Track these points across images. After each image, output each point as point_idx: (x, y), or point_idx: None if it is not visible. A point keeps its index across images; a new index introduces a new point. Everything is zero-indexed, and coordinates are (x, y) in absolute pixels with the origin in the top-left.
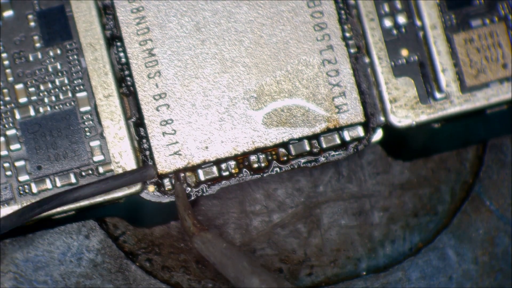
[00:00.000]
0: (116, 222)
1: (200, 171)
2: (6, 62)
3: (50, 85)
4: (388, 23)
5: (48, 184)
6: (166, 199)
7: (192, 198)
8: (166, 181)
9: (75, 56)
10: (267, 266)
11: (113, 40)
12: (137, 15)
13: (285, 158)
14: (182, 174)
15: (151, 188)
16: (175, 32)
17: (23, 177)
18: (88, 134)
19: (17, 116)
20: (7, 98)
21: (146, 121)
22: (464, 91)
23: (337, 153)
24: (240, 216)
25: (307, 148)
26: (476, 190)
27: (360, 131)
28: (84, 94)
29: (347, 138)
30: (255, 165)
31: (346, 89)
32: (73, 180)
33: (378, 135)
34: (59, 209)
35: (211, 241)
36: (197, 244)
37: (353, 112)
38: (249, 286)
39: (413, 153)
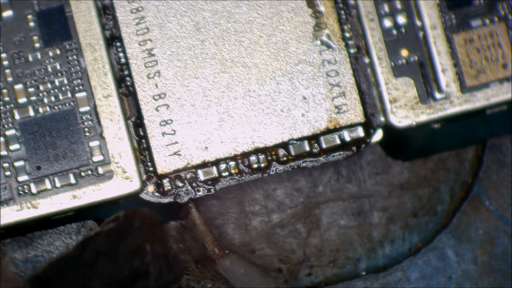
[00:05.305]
0: None
1: (199, 171)
2: (5, 63)
3: (49, 86)
4: (388, 23)
5: (47, 185)
6: (165, 200)
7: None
8: (166, 182)
9: (75, 57)
10: (267, 266)
11: (113, 40)
12: (136, 15)
13: (285, 159)
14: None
15: (150, 188)
16: (174, 32)
17: (23, 177)
18: (87, 134)
19: (17, 117)
20: (7, 99)
21: (145, 121)
22: (464, 91)
23: (336, 153)
24: (239, 216)
25: (307, 148)
26: (475, 190)
27: (360, 132)
28: (83, 94)
29: (347, 138)
30: (255, 165)
31: (346, 89)
32: (72, 180)
33: (378, 135)
34: (58, 209)
35: (230, 269)
36: (221, 271)
37: (353, 112)
38: None
39: (412, 153)
